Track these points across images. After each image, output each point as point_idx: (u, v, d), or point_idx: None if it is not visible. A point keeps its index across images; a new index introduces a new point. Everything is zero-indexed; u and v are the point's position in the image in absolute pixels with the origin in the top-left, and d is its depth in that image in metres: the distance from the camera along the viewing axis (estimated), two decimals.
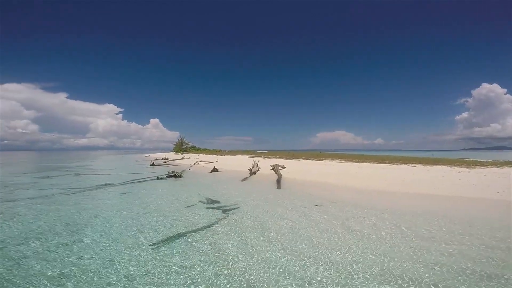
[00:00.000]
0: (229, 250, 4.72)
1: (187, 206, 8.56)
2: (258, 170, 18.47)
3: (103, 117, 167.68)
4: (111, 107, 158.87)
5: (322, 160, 23.81)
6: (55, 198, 10.08)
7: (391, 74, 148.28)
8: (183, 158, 39.41)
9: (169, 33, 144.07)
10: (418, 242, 5.02)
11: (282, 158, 27.14)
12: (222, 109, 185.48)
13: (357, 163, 19.41)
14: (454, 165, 15.64)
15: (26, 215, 7.46)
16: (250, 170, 17.67)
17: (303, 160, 24.21)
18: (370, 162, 19.42)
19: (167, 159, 38.92)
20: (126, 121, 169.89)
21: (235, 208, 8.20)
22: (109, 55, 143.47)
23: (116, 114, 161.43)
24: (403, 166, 16.73)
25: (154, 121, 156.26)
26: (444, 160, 19.55)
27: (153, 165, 26.80)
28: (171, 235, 5.61)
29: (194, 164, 27.77)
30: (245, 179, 14.76)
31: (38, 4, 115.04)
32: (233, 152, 41.68)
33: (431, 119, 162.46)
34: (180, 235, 5.62)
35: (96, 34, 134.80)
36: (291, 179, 14.48)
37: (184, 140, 64.49)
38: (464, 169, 14.39)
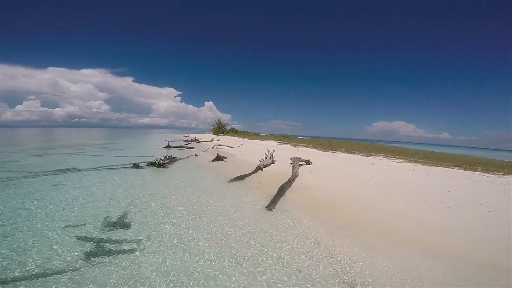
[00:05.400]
0: None
1: (67, 226, 5.19)
2: (273, 163, 13.62)
3: (164, 99, 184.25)
4: (170, 90, 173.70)
5: (371, 156, 17.40)
6: None
7: (461, 60, 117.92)
8: (212, 140, 36.73)
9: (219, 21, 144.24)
10: None
11: (316, 148, 21.44)
12: (273, 93, 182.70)
13: (424, 166, 12.76)
14: None
15: None
16: (260, 162, 12.95)
17: (342, 154, 18.19)
18: (446, 166, 12.57)
19: (197, 140, 36.83)
20: (184, 103, 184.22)
21: (126, 252, 3.87)
22: (168, 43, 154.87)
23: (175, 96, 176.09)
24: None
25: (209, 103, 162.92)
26: None
27: (168, 146, 24.39)
28: None
29: (212, 148, 24.26)
30: (238, 178, 10.13)
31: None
32: (262, 137, 37.16)
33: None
34: None
35: (157, 27, 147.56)
36: (307, 186, 9.28)
37: (221, 122, 62.54)
38: None
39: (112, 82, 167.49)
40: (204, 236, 4.93)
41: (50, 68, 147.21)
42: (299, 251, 4.46)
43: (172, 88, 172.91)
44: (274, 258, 4.20)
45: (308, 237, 5.04)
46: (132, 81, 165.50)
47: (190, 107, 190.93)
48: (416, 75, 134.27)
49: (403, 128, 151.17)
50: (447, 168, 12.10)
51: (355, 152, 18.98)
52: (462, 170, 11.59)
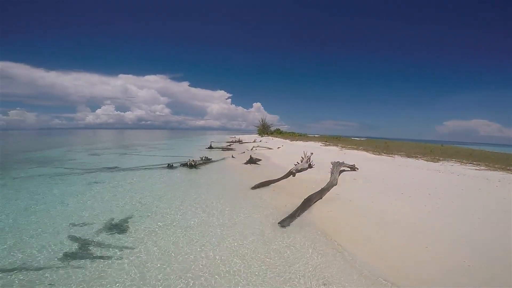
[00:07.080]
0: None
1: (68, 224, 5.39)
2: (310, 167, 12.11)
3: (216, 102, 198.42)
4: (222, 93, 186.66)
5: (438, 161, 14.21)
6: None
7: None
8: (254, 141, 36.44)
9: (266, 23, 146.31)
10: None
11: (367, 151, 18.76)
12: (324, 92, 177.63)
13: None
14: None
15: None
16: (295, 166, 11.60)
17: (400, 158, 15.32)
18: None
19: (240, 141, 37.14)
20: (234, 105, 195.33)
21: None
22: (219, 48, 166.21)
23: (226, 99, 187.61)
24: None
25: (256, 105, 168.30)
26: None
27: (210, 147, 25.00)
28: None
29: (251, 149, 23.67)
30: (263, 184, 9.05)
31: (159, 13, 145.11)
32: (307, 138, 35.01)
33: None
34: None
35: (210, 34, 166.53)
36: (343, 198, 7.57)
37: (266, 122, 62.39)
38: None
39: (171, 87, 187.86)
40: (169, 256, 4.10)
41: (121, 75, 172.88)
42: None
43: (223, 91, 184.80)
44: None
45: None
46: (188, 85, 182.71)
47: (240, 108, 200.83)
48: (503, 66, 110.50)
49: (484, 127, 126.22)
50: None
51: (416, 157, 15.84)
52: None
